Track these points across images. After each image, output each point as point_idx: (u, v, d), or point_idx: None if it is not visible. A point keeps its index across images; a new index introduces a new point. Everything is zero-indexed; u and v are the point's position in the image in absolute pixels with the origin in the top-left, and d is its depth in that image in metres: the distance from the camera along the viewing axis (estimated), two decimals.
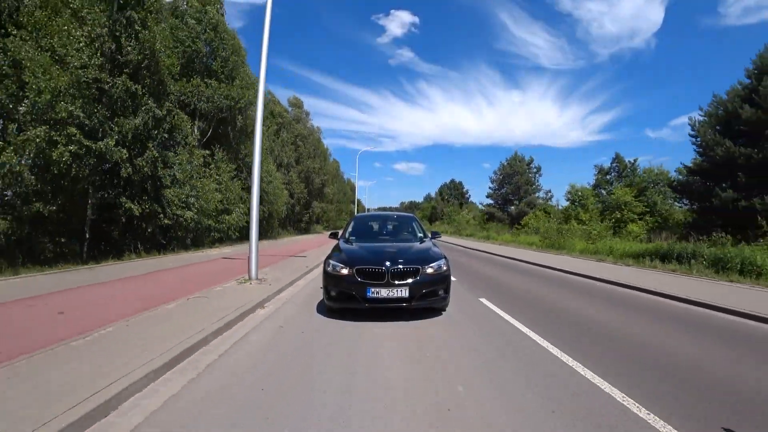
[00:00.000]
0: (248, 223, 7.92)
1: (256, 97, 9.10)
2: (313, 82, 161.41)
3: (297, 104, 40.27)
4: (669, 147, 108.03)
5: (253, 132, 7.93)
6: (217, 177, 17.84)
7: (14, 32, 9.93)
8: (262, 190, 13.57)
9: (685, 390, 3.09)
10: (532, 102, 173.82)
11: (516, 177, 45.88)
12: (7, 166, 9.49)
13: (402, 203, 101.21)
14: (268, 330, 4.67)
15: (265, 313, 5.51)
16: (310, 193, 39.24)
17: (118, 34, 11.43)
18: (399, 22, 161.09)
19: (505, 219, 43.89)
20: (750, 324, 5.37)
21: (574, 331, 4.84)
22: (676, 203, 27.75)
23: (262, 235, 23.75)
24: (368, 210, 76.81)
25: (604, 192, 32.23)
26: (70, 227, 12.05)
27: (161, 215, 13.45)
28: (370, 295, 4.82)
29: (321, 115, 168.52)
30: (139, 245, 13.13)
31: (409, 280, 4.90)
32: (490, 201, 49.75)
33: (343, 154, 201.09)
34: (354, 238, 6.45)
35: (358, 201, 61.10)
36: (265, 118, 18.90)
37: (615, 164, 34.35)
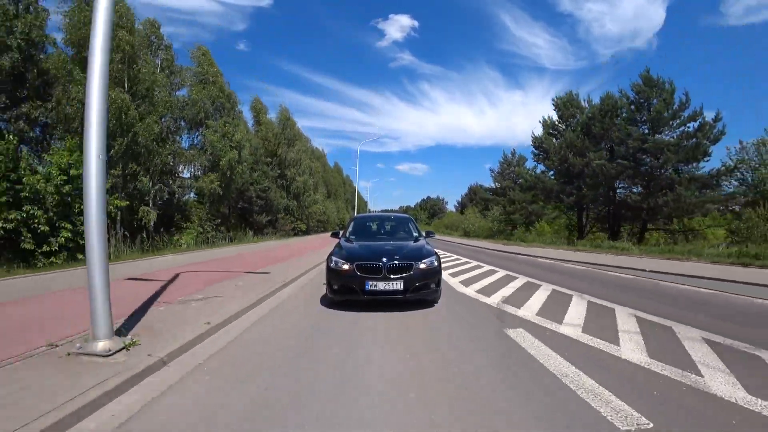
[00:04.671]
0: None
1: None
2: (315, 83, 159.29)
3: (338, 168, 72.76)
4: None
5: None
6: None
7: None
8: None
9: None
10: (534, 102, 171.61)
11: (437, 207, 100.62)
12: None
13: (401, 207, 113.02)
14: None
15: None
16: (350, 209, 68.14)
17: None
18: (398, 26, 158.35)
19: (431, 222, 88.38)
20: None
21: None
22: None
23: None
24: (371, 211, 78.42)
25: None
26: None
27: None
28: (368, 287, 5.23)
29: (321, 116, 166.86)
30: None
31: (404, 275, 5.29)
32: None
33: (344, 154, 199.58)
34: (354, 237, 6.86)
35: (362, 201, 77.33)
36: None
37: None
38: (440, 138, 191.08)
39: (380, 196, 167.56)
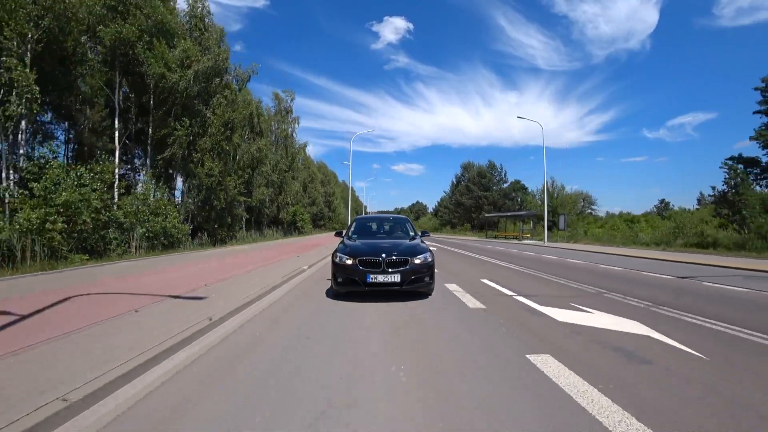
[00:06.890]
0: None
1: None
2: (310, 83, 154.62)
3: (345, 182, 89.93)
4: (667, 147, 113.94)
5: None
6: None
7: None
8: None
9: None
10: (529, 103, 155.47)
11: (421, 211, 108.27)
12: None
13: (395, 208, 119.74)
14: None
15: None
16: (353, 214, 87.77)
17: None
18: (393, 27, 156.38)
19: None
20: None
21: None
22: None
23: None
24: (368, 213, 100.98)
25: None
26: None
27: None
28: (369, 280, 5.83)
29: (318, 116, 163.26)
30: None
31: (401, 269, 5.88)
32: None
33: (341, 155, 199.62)
34: (356, 236, 7.57)
35: (360, 203, 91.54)
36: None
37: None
38: (436, 138, 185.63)
39: (377, 197, 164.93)
